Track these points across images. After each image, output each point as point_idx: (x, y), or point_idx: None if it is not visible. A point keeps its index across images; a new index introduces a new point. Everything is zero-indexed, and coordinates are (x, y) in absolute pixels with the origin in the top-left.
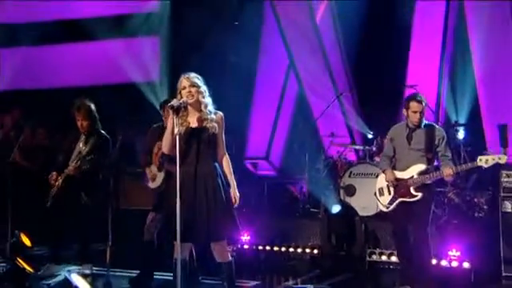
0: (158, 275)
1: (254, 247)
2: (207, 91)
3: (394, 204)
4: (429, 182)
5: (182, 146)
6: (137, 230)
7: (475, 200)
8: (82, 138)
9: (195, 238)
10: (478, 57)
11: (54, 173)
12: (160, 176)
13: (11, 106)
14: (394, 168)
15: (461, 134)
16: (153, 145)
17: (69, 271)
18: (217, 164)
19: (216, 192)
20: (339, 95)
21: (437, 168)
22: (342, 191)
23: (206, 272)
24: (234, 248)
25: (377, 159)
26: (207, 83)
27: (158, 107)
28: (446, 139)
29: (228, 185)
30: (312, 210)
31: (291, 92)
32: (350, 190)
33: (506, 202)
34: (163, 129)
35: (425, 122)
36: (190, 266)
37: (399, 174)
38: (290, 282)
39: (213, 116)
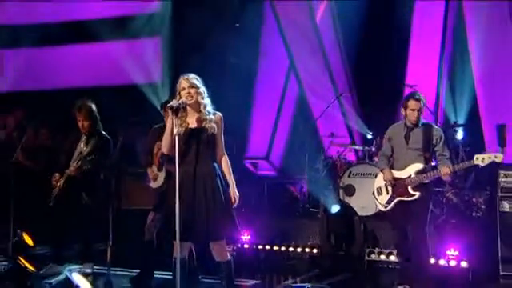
0: (158, 274)
1: (254, 247)
2: (206, 92)
3: (392, 203)
4: (426, 181)
5: (181, 147)
6: (137, 229)
7: (473, 200)
8: (83, 138)
9: (194, 238)
10: (476, 57)
11: (57, 174)
12: (161, 176)
13: (14, 106)
14: (391, 167)
15: (459, 134)
16: (153, 145)
17: (70, 270)
18: (216, 164)
19: (215, 192)
20: (339, 95)
21: (434, 167)
22: (341, 191)
23: (206, 271)
24: (235, 247)
25: (376, 159)
26: (209, 84)
27: (159, 108)
28: (444, 139)
29: (227, 185)
30: (311, 209)
31: (291, 92)
32: (350, 190)
33: (503, 201)
34: (164, 129)
35: (422, 121)
36: (189, 266)
37: (397, 174)
38: (290, 281)
39: (212, 116)
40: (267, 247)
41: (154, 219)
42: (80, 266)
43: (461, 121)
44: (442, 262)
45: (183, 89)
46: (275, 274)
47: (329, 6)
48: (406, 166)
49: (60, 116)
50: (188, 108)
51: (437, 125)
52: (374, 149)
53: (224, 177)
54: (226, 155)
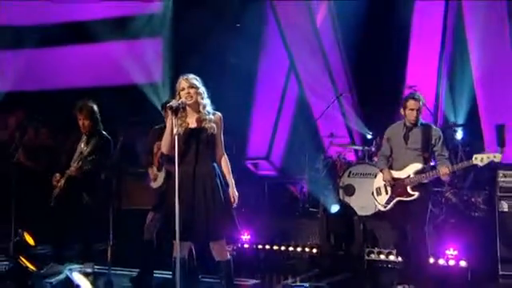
0: (158, 274)
1: (254, 246)
2: (206, 92)
3: (392, 203)
4: (425, 181)
5: (180, 147)
6: (137, 229)
7: (472, 199)
8: (84, 138)
9: (194, 238)
10: (475, 57)
11: (57, 174)
12: (161, 176)
13: (15, 107)
14: (390, 167)
15: (459, 135)
16: (153, 145)
17: (70, 270)
18: (215, 164)
19: (214, 192)
20: (339, 96)
21: (433, 167)
22: (341, 191)
23: (205, 271)
24: (235, 247)
25: (375, 159)
26: (210, 84)
27: (160, 108)
28: (443, 139)
29: (227, 185)
30: (311, 209)
31: (292, 93)
32: (349, 190)
33: (502, 201)
34: (164, 130)
35: (421, 121)
36: (189, 265)
37: (396, 174)
38: (289, 281)
39: (211, 117)
40: (267, 247)
41: (154, 219)
42: (81, 266)
43: (460, 121)
44: (441, 261)
45: (183, 89)
46: (275, 274)
47: (328, 7)
48: (405, 166)
49: (61, 116)
50: (188, 108)
51: (436, 125)
52: (373, 149)
53: (223, 177)
54: (225, 155)
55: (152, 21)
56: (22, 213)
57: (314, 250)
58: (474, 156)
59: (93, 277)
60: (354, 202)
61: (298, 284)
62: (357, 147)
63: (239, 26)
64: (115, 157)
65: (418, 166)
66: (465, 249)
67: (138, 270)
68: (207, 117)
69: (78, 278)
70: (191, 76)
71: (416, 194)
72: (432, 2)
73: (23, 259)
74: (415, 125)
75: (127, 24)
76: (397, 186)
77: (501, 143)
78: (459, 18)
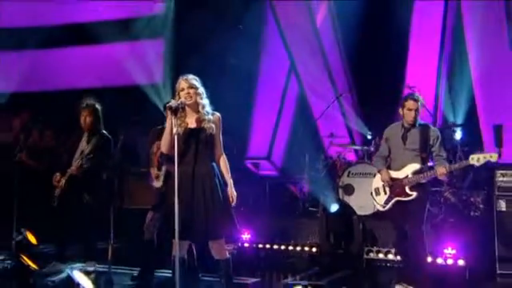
0: (159, 272)
1: (254, 245)
2: (205, 92)
3: (390, 203)
4: (423, 181)
5: (180, 147)
6: (138, 228)
7: (471, 199)
8: (85, 137)
9: (193, 237)
10: (474, 57)
11: (58, 174)
12: (162, 175)
13: (20, 108)
14: (389, 168)
15: (458, 135)
16: (154, 145)
17: (72, 268)
18: (214, 164)
19: (213, 192)
20: (339, 96)
21: (431, 167)
22: (340, 190)
23: (205, 269)
24: (235, 246)
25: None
26: (208, 84)
27: (161, 108)
28: (441, 139)
29: (225, 184)
30: (311, 209)
31: (292, 93)
32: (349, 190)
33: (500, 201)
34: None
35: (420, 121)
36: (190, 264)
37: (394, 174)
38: (289, 280)
39: (210, 117)
40: (267, 246)
41: (153, 218)
42: (82, 264)
43: (459, 121)
44: (439, 260)
45: (182, 89)
46: (275, 272)
47: (328, 7)
48: (403, 167)
49: (63, 117)
50: (187, 108)
51: (436, 125)
52: (373, 149)
53: (222, 176)
54: (224, 155)
55: (154, 22)
56: (24, 212)
57: (314, 249)
58: (471, 156)
59: (94, 275)
60: (354, 201)
61: (296, 281)
62: (357, 147)
63: (241, 27)
64: (117, 157)
65: (416, 166)
66: (463, 248)
67: (138, 268)
68: (206, 117)
69: (78, 276)
70: (191, 76)
71: (414, 193)
72: (431, 3)
73: (25, 258)
74: (413, 125)
75: (129, 25)
76: (395, 186)
77: (498, 143)
78: (458, 18)
